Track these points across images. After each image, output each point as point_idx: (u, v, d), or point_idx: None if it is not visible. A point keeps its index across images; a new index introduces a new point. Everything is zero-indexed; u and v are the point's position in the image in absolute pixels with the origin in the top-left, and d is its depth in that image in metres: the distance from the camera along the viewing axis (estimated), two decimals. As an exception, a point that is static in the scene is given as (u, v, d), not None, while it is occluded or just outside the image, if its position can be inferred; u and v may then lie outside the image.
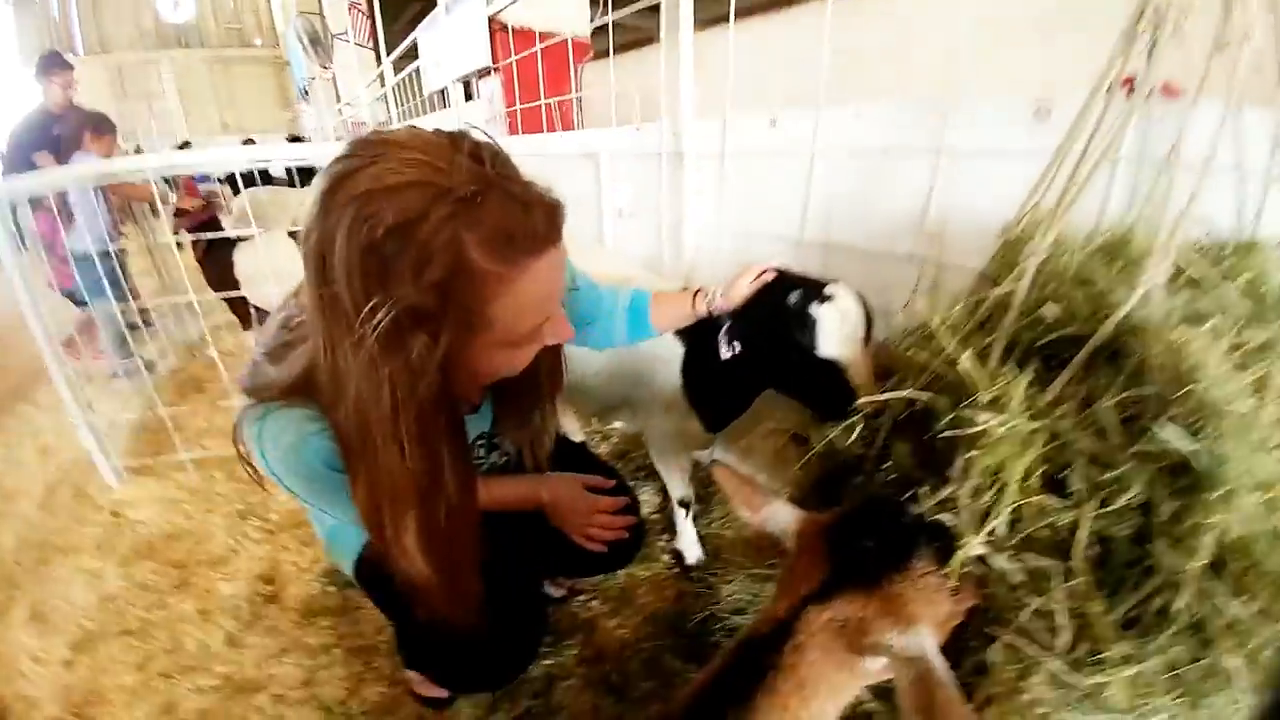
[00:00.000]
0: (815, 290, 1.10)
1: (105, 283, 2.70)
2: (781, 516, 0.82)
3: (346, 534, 1.11)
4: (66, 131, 3.18)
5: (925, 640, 0.65)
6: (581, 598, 1.70)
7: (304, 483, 0.81)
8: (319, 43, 7.90)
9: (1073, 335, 0.77)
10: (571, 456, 1.33)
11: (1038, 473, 0.68)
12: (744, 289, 1.18)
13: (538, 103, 2.68)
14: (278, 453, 0.78)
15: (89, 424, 2.31)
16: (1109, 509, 0.67)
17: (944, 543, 0.71)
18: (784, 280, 1.17)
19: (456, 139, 0.65)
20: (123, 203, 3.50)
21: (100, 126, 3.23)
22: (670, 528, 1.87)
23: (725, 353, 1.24)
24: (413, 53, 4.82)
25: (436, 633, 0.94)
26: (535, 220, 0.65)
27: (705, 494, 2.09)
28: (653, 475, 1.83)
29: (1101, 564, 0.71)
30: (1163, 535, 0.67)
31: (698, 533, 1.83)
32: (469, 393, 1.00)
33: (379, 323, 0.62)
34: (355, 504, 0.76)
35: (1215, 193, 0.85)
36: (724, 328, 1.23)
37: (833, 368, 1.06)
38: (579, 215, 2.45)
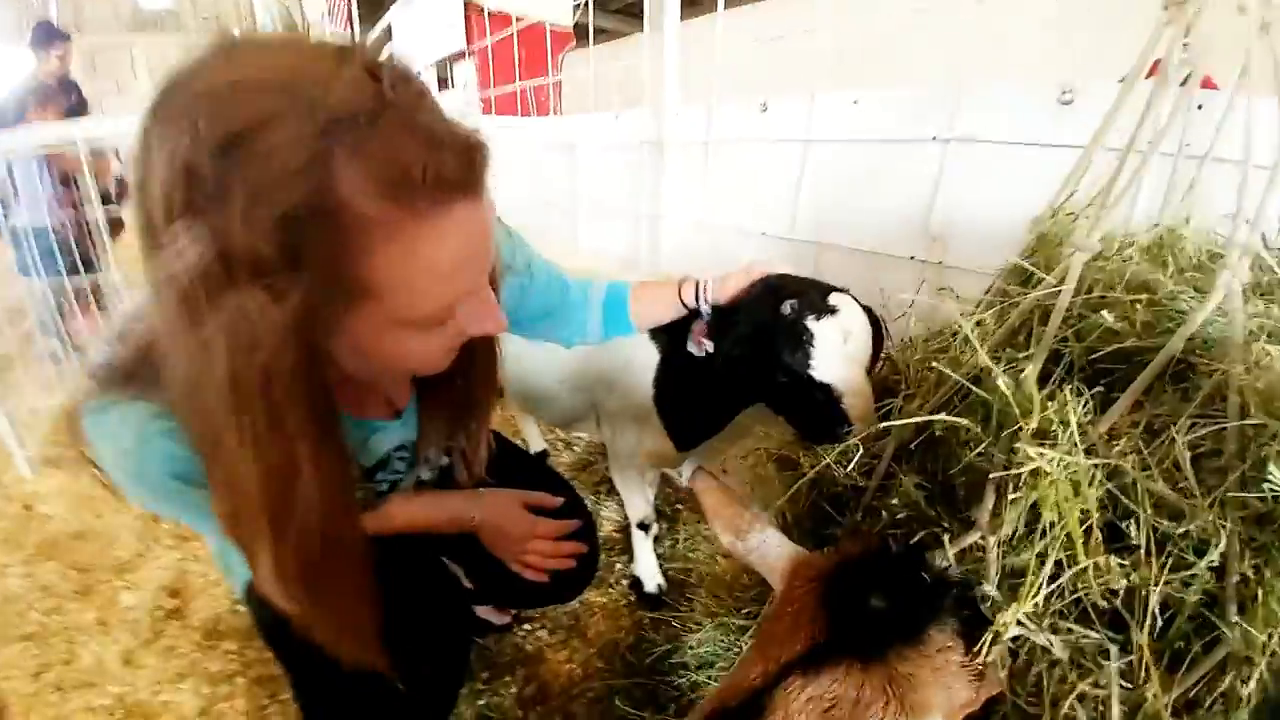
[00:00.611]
0: (815, 300, 0.94)
1: (37, 260, 2.54)
2: (771, 549, 0.67)
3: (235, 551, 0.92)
4: (12, 104, 2.97)
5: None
6: (527, 626, 1.54)
7: (151, 495, 0.64)
8: (294, 29, 7.66)
9: (1129, 350, 0.63)
10: (522, 469, 1.16)
11: (1097, 522, 0.53)
12: (737, 285, 1.02)
13: (513, 86, 2.50)
14: (115, 457, 0.62)
15: (3, 411, 2.20)
16: (1184, 570, 0.52)
17: (972, 610, 0.55)
18: (781, 284, 1.00)
19: (348, 50, 0.48)
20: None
21: (46, 98, 3.01)
22: (632, 548, 1.71)
23: (694, 349, 1.08)
24: (389, 39, 4.64)
25: (332, 679, 0.76)
26: (444, 159, 0.48)
27: (672, 513, 1.94)
28: (617, 489, 1.68)
29: (1159, 634, 0.56)
30: (1234, 600, 0.53)
31: (660, 557, 1.67)
32: (384, 390, 0.82)
33: (199, 266, 0.44)
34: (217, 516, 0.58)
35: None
36: (697, 321, 1.08)
37: (827, 392, 0.90)
38: (552, 210, 2.29)
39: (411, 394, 0.85)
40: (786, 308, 0.93)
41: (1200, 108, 0.87)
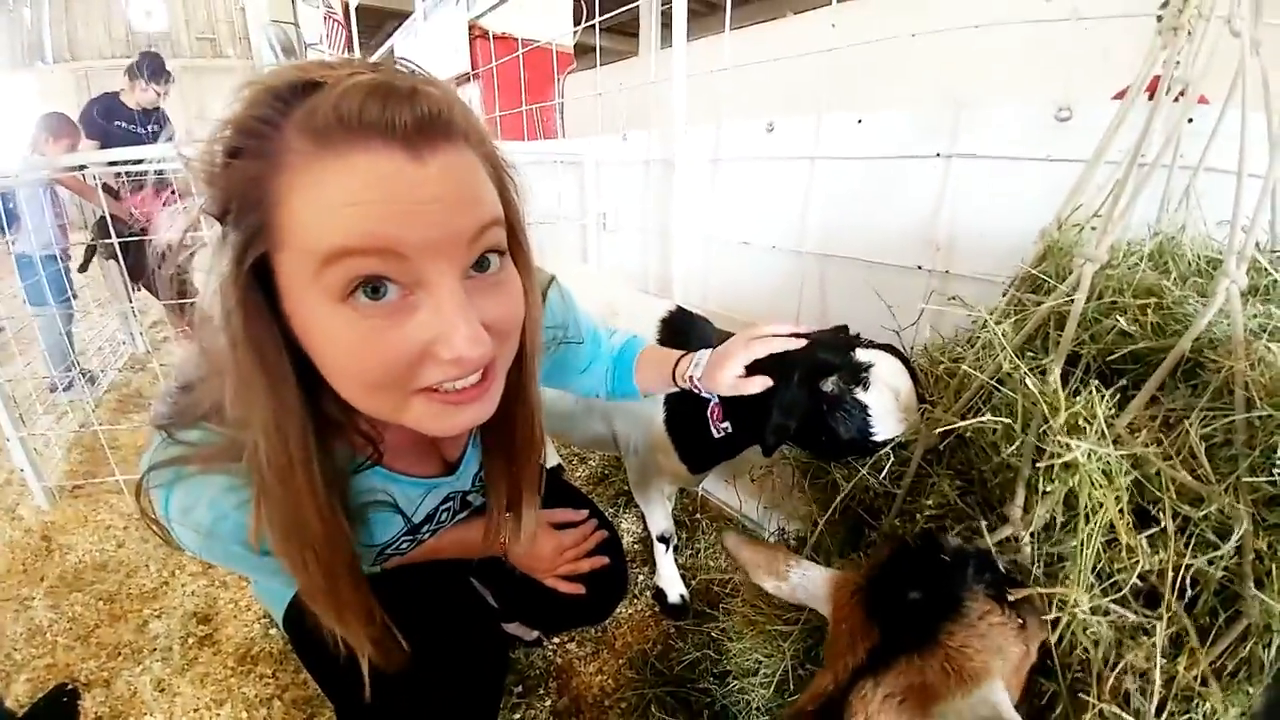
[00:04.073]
0: (848, 367, 0.90)
1: (47, 288, 2.58)
2: (812, 581, 0.74)
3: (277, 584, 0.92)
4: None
5: (999, 697, 0.55)
6: (556, 641, 1.57)
7: (230, 562, 0.67)
8: (292, 52, 7.72)
9: (1140, 352, 0.68)
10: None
11: (1127, 509, 0.58)
12: (733, 375, 0.94)
13: (519, 109, 2.56)
14: (189, 532, 0.61)
15: (21, 441, 2.16)
16: (1210, 551, 0.57)
17: (995, 573, 0.61)
18: (796, 359, 0.92)
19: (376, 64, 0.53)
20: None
21: (59, 130, 3.07)
22: (653, 560, 1.74)
23: (714, 432, 1.14)
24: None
25: (375, 704, 0.75)
26: (368, 103, 0.47)
27: (691, 523, 1.97)
28: (635, 502, 1.72)
29: (1187, 609, 0.61)
30: (1251, 576, 0.58)
31: (681, 567, 1.70)
32: (439, 442, 0.81)
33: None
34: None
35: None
36: (712, 405, 1.12)
37: (889, 442, 0.89)
38: (560, 227, 2.34)
39: (465, 445, 0.84)
40: (829, 385, 0.89)
41: (1190, 121, 0.93)
